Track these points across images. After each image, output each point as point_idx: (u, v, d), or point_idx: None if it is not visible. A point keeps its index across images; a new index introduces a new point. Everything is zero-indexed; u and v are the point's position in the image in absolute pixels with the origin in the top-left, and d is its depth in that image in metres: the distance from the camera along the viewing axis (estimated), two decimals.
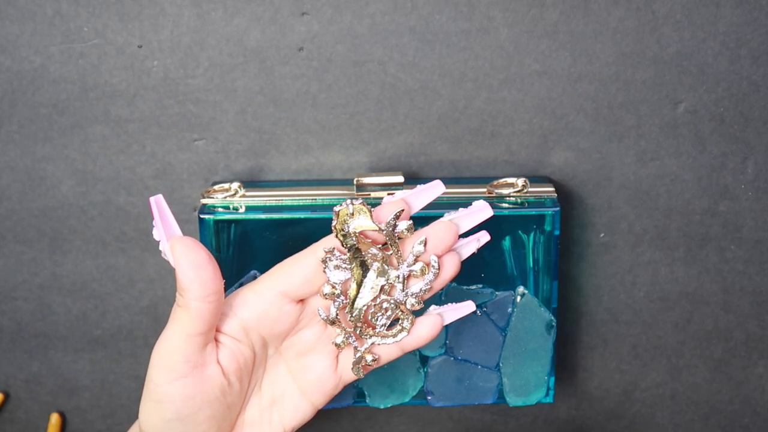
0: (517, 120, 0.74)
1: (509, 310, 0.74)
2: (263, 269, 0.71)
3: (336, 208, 0.59)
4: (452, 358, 0.75)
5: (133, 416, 0.82)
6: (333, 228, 0.59)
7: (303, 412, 0.63)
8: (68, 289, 0.79)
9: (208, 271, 0.58)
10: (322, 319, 0.61)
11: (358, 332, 0.62)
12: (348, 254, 0.60)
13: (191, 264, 0.57)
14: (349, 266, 0.60)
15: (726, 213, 0.77)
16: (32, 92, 0.74)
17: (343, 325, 0.62)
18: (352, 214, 0.59)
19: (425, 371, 0.75)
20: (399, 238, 0.60)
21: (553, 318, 0.74)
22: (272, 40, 0.72)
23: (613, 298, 0.79)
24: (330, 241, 0.60)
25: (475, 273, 0.74)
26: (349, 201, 0.59)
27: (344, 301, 0.61)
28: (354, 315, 0.62)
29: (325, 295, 0.60)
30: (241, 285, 0.72)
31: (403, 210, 0.59)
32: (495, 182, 0.73)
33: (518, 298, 0.74)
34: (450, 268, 0.61)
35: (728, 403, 0.82)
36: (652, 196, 0.76)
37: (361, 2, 0.72)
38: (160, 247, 0.59)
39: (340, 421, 0.82)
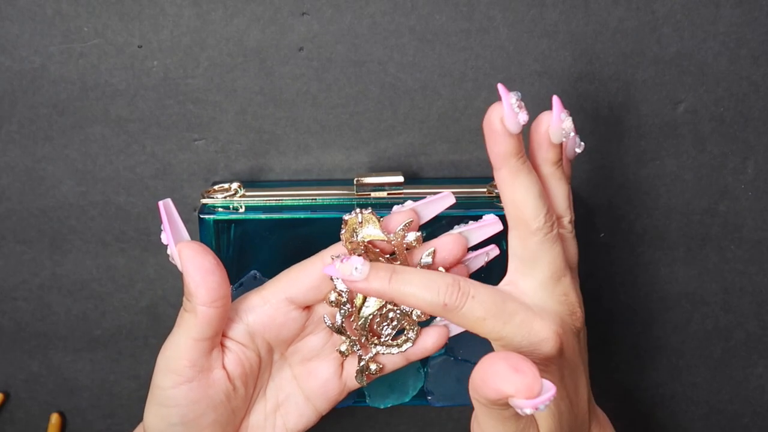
0: None
1: None
2: (263, 269, 0.71)
3: (345, 217, 0.59)
4: (452, 358, 0.75)
5: (133, 416, 0.82)
6: (341, 236, 0.59)
7: (307, 417, 0.64)
8: (68, 289, 0.79)
9: (216, 277, 0.58)
10: (328, 326, 0.61)
11: (363, 341, 0.62)
12: None
13: (199, 269, 0.57)
14: None
15: (726, 213, 0.77)
16: (32, 92, 0.73)
17: (348, 333, 0.62)
18: (361, 223, 0.59)
19: (425, 371, 0.75)
20: (407, 249, 0.60)
21: None
22: (272, 40, 0.72)
23: (613, 298, 0.79)
24: (338, 249, 0.60)
25: (475, 273, 0.74)
26: (358, 210, 0.59)
27: (350, 310, 0.61)
28: (360, 323, 0.62)
29: (331, 303, 0.60)
30: (241, 285, 0.72)
31: (412, 220, 0.59)
32: (495, 182, 0.73)
33: None
34: None
35: (728, 403, 0.83)
36: (652, 196, 0.76)
37: (361, 2, 0.71)
38: (168, 251, 0.59)
39: (340, 421, 0.82)
